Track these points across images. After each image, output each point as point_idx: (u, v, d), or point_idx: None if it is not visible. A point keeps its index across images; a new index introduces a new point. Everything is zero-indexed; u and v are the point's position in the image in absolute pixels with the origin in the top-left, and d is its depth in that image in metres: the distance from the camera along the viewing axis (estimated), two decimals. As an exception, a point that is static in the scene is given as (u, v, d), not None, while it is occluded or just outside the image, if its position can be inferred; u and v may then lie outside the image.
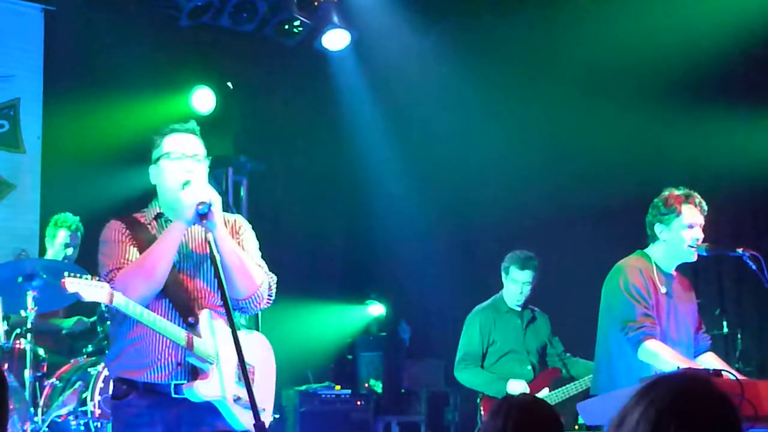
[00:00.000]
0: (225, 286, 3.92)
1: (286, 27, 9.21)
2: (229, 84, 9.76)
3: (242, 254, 4.20)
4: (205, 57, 9.66)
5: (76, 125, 8.67)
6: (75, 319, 7.36)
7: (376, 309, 10.87)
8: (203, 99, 9.52)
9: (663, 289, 5.32)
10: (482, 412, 6.97)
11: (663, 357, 4.99)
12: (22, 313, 6.28)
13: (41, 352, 6.62)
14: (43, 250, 7.77)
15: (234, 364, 4.06)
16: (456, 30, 10.12)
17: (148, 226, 4.24)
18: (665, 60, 8.95)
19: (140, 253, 4.10)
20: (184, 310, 4.10)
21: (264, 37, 9.34)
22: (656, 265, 5.37)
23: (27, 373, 6.17)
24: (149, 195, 4.30)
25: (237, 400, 4.07)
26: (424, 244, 10.27)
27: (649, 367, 5.05)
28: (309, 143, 10.62)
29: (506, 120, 9.75)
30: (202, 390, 4.01)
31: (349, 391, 9.39)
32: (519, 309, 7.16)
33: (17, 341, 6.34)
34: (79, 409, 6.39)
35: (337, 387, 9.37)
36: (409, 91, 10.05)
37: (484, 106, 9.69)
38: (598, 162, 9.08)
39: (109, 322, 7.09)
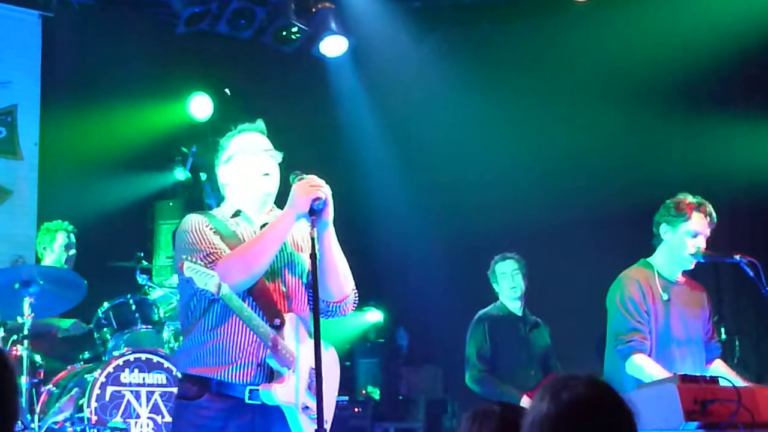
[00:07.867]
0: (318, 288, 3.83)
1: (284, 33, 9.19)
2: (227, 90, 9.76)
3: (343, 256, 4.14)
4: (203, 64, 9.66)
5: (73, 132, 8.68)
6: (72, 320, 7.30)
7: (374, 315, 10.85)
8: (201, 106, 9.53)
9: (664, 296, 5.32)
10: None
11: (648, 371, 5.02)
12: (19, 319, 6.27)
13: (38, 358, 6.60)
14: (37, 259, 7.69)
15: (307, 373, 3.98)
16: (453, 37, 10.11)
17: (227, 222, 4.10)
18: (664, 67, 8.96)
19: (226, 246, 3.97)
20: (270, 312, 3.96)
21: (262, 44, 9.33)
22: (658, 272, 5.37)
23: (24, 380, 6.15)
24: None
25: (305, 409, 3.93)
26: (422, 250, 10.24)
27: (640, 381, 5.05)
28: (306, 149, 10.58)
29: (504, 127, 9.74)
30: (279, 394, 3.87)
31: (347, 398, 9.36)
32: (520, 314, 7.11)
33: (14, 348, 6.31)
34: (76, 415, 6.35)
35: (335, 393, 9.33)
36: (407, 98, 10.03)
37: (482, 113, 9.68)
38: (597, 168, 9.09)
39: (105, 329, 7.08)
